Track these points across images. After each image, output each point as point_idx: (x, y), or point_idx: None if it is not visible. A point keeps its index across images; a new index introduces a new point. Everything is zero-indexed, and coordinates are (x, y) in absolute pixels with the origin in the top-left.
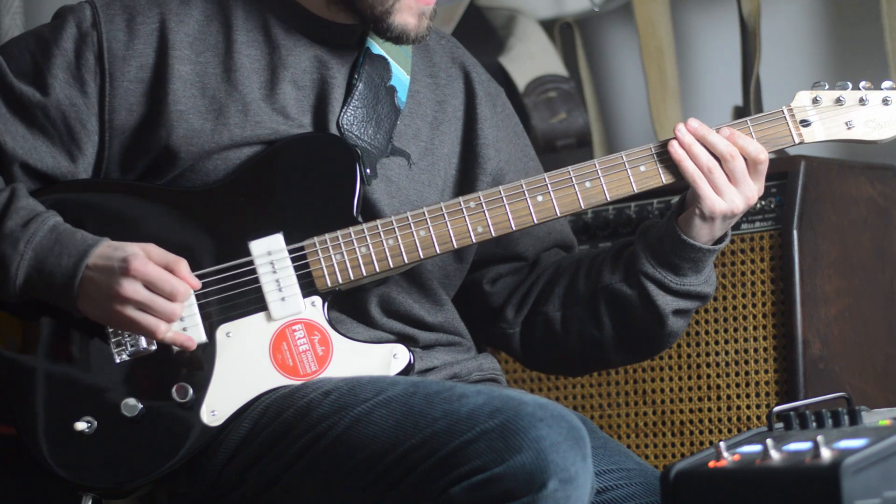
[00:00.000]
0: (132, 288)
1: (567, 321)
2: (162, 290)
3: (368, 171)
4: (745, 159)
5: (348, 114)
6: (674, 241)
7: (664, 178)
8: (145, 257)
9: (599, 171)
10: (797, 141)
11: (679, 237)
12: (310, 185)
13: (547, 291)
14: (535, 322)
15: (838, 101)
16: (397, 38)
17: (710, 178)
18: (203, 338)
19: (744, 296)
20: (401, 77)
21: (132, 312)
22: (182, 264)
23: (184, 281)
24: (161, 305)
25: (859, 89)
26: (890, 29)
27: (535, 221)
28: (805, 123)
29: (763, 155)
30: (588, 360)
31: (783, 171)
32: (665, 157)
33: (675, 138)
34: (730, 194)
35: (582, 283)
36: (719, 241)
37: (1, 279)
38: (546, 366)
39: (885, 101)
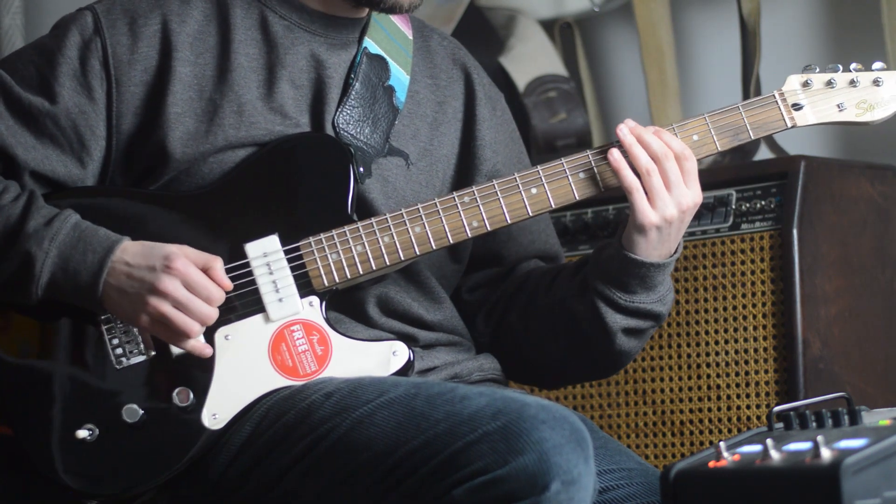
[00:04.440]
0: (172, 285)
1: (528, 333)
2: (199, 293)
3: (362, 169)
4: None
5: (344, 113)
6: (619, 258)
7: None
8: (186, 259)
9: (592, 162)
10: (789, 125)
11: (622, 254)
12: (304, 185)
13: (513, 302)
14: (500, 334)
15: (829, 83)
16: (390, 8)
17: (647, 183)
18: (201, 341)
19: (744, 296)
20: (400, 77)
21: (168, 309)
22: (218, 263)
23: (220, 282)
24: (198, 307)
25: (850, 71)
26: (890, 29)
27: (531, 214)
28: (797, 107)
29: (688, 152)
30: (551, 373)
31: (783, 171)
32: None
33: (617, 137)
34: (661, 201)
35: (541, 297)
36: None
37: (24, 278)
38: (518, 376)
39: (876, 82)
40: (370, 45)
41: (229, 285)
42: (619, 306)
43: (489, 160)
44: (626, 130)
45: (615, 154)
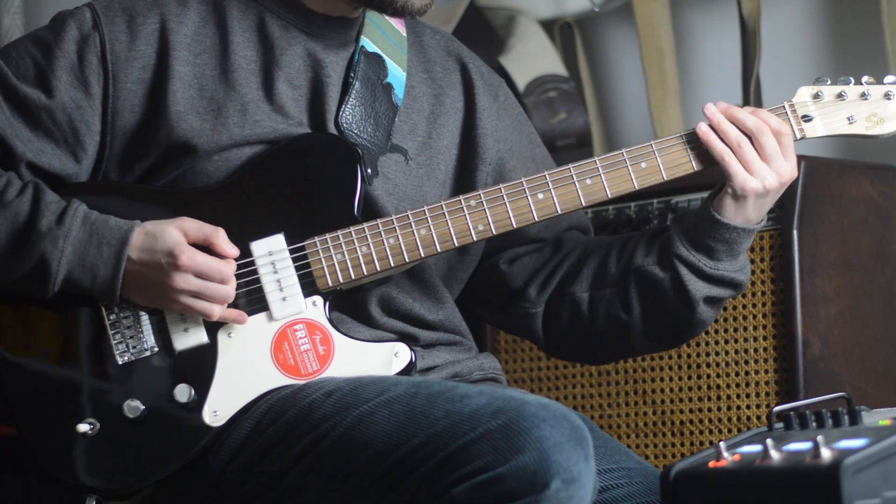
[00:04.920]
0: (184, 280)
1: (595, 302)
2: (212, 277)
3: (370, 170)
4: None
5: (346, 112)
6: (708, 222)
7: (665, 175)
8: (190, 248)
9: (600, 168)
10: (798, 136)
11: (713, 217)
12: (310, 185)
13: (574, 272)
14: (560, 303)
15: (840, 96)
16: (400, 10)
17: (740, 154)
18: (204, 338)
19: (744, 296)
20: (397, 74)
21: (186, 301)
22: (220, 234)
23: (225, 254)
24: (214, 291)
25: (861, 84)
26: (890, 29)
27: (536, 219)
28: (806, 119)
29: (785, 128)
30: (613, 345)
31: None
32: (667, 152)
33: (705, 117)
34: (761, 171)
35: (613, 265)
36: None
37: (41, 278)
38: (569, 351)
39: (887, 96)
40: (367, 43)
41: (235, 252)
42: (703, 273)
43: (492, 149)
44: (714, 109)
45: (703, 127)
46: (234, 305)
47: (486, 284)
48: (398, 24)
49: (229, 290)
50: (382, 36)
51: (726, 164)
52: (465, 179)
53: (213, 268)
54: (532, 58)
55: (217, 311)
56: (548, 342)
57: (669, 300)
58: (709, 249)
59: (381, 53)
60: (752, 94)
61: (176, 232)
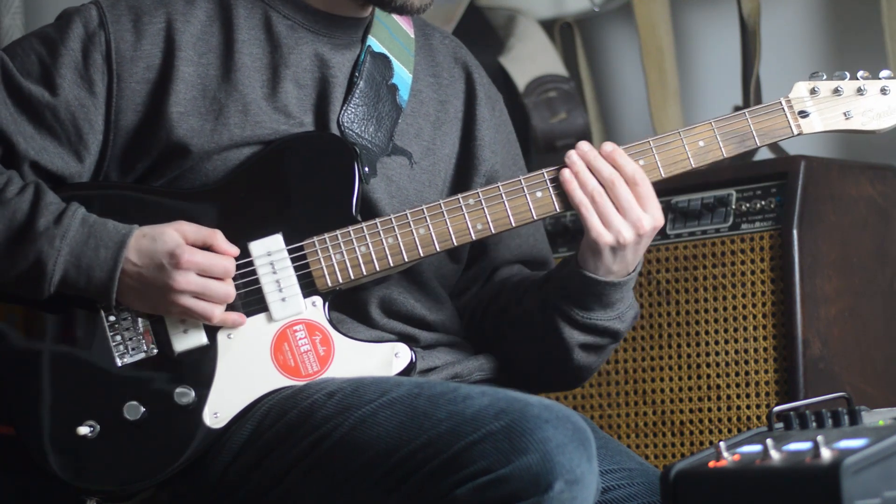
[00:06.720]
0: (185, 279)
1: (500, 341)
2: (214, 273)
3: (367, 169)
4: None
5: (349, 112)
6: (576, 276)
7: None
8: (190, 247)
9: None
10: (795, 132)
11: (577, 272)
12: (309, 184)
13: (488, 310)
14: (477, 338)
15: (836, 91)
16: (400, 8)
17: (597, 207)
18: (204, 340)
19: (744, 296)
20: (403, 75)
21: (188, 301)
22: (218, 236)
23: (226, 253)
24: (216, 289)
25: (857, 79)
26: (890, 30)
27: (535, 217)
28: (803, 114)
29: (638, 176)
30: (526, 379)
31: (783, 171)
32: (665, 149)
33: (565, 164)
34: (616, 224)
35: (512, 308)
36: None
37: (37, 277)
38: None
39: (884, 91)
40: (373, 43)
41: (235, 251)
42: (575, 322)
43: (488, 160)
44: (576, 157)
45: (566, 174)
46: (233, 305)
47: None
48: (407, 25)
49: (230, 289)
50: (390, 36)
51: (581, 216)
52: (460, 189)
53: (215, 263)
54: (532, 58)
55: (217, 314)
56: None
57: (548, 345)
58: (579, 299)
59: (388, 54)
60: (752, 94)
61: (175, 234)
